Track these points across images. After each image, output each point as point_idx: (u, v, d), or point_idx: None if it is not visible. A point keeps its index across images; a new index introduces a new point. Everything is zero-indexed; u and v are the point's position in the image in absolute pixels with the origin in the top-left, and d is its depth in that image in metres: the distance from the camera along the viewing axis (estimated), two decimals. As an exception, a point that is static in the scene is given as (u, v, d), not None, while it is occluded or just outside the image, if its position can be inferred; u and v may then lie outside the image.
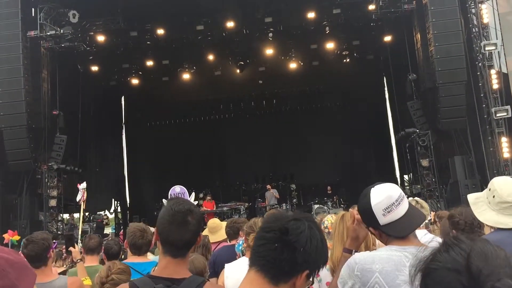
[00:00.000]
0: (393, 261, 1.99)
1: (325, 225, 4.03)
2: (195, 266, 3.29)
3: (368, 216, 2.12)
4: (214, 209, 17.62)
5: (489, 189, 2.57)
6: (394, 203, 2.06)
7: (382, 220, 2.06)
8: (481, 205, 2.58)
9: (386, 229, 2.07)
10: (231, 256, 4.25)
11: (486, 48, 14.06)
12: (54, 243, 3.78)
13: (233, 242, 4.95)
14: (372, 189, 2.12)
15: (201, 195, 18.62)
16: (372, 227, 2.14)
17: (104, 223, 19.09)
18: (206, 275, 3.53)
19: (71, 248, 4.58)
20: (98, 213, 19.57)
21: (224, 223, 5.74)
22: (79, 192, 10.42)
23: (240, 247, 4.17)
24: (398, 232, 2.06)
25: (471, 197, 2.67)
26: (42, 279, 3.32)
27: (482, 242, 1.04)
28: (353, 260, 2.10)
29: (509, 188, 2.48)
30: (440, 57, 14.25)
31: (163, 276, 1.97)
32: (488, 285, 0.94)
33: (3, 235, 10.63)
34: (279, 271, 1.55)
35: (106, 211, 21.38)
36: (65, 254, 5.41)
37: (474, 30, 14.70)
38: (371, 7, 16.17)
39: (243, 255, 4.07)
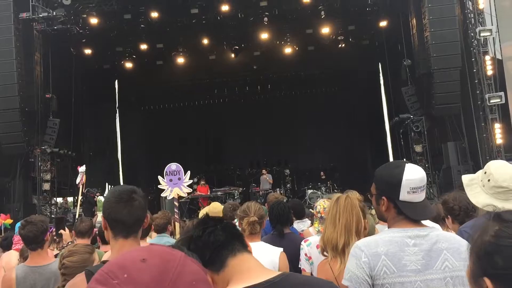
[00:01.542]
0: (396, 242, 2.01)
1: (317, 210, 4.05)
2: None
3: (391, 186, 2.10)
4: (208, 193, 17.66)
5: (485, 172, 2.57)
6: (421, 187, 2.10)
7: (404, 196, 2.07)
8: (475, 187, 2.58)
9: (402, 205, 2.08)
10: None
11: (481, 34, 14.04)
12: (51, 227, 3.78)
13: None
14: (408, 164, 2.13)
15: (195, 180, 18.62)
16: (387, 198, 2.12)
17: (96, 199, 18.87)
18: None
19: (61, 231, 4.57)
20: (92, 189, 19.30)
21: None
22: (79, 174, 10.42)
23: None
24: (411, 213, 2.08)
25: (465, 179, 2.66)
26: (39, 262, 3.33)
27: None
28: (357, 248, 2.06)
29: (504, 173, 2.48)
30: (435, 42, 14.21)
31: None
32: None
33: (-4, 219, 10.63)
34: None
35: (101, 196, 21.33)
36: (57, 238, 5.41)
37: (469, 16, 14.66)
38: (367, -9, 16.07)
39: None
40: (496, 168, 2.52)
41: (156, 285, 0.77)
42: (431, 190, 15.29)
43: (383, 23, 18.31)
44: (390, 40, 18.71)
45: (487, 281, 1.06)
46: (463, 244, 2.01)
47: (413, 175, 2.08)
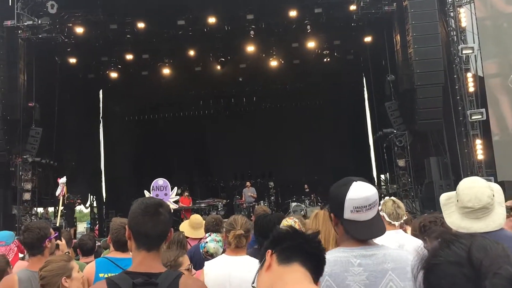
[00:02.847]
0: (340, 262, 2.01)
1: None
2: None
3: (336, 204, 2.12)
4: (191, 205, 17.53)
5: (456, 192, 2.62)
6: (366, 206, 2.06)
7: (348, 215, 2.07)
8: (450, 206, 2.61)
9: (346, 224, 2.08)
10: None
11: (463, 52, 14.33)
12: (55, 233, 3.76)
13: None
14: (355, 183, 2.10)
15: (178, 191, 18.50)
16: (334, 215, 2.15)
17: (76, 204, 18.57)
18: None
19: (58, 241, 4.54)
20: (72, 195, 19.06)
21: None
22: (59, 186, 10.27)
23: (204, 245, 4.15)
24: (355, 233, 2.08)
25: (443, 198, 2.68)
26: (38, 267, 3.28)
27: (481, 237, 1.09)
28: None
29: (469, 193, 2.50)
30: (418, 59, 14.45)
31: (140, 271, 1.97)
32: (490, 274, 0.99)
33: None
34: (317, 267, 1.63)
35: (82, 205, 21.08)
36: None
37: (452, 34, 14.96)
38: (352, 7, 16.29)
39: (208, 253, 4.06)
40: (463, 188, 2.55)
41: None
42: (413, 205, 15.43)
43: (367, 39, 18.58)
44: (374, 55, 18.97)
45: None
46: (410, 264, 2.02)
47: (357, 194, 2.05)
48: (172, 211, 7.17)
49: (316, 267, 1.63)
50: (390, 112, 16.64)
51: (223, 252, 3.97)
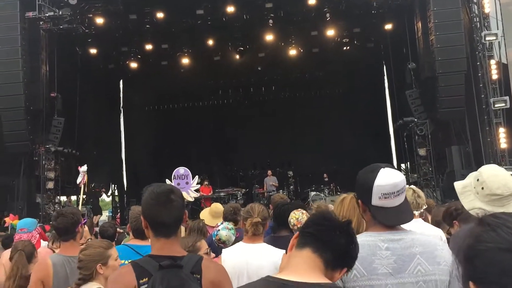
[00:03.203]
0: (367, 245, 2.01)
1: (292, 223, 3.98)
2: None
3: (364, 191, 2.12)
4: (211, 194, 17.66)
5: (477, 180, 2.55)
6: (394, 193, 2.07)
7: (376, 201, 2.07)
8: (468, 195, 2.55)
9: (374, 210, 2.09)
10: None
11: (487, 38, 14.03)
12: (85, 219, 3.85)
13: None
14: (383, 169, 2.09)
15: (198, 180, 18.63)
16: (362, 201, 2.15)
17: (102, 193, 18.95)
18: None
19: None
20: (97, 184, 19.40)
21: None
22: (80, 174, 10.42)
23: (216, 233, 4.17)
24: (383, 219, 2.08)
25: (458, 186, 2.62)
26: (71, 252, 3.39)
27: None
28: None
29: (497, 180, 2.44)
30: (440, 46, 14.20)
31: (163, 255, 2.01)
32: None
33: (5, 219, 10.66)
34: (334, 256, 1.62)
35: (104, 194, 21.43)
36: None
37: (475, 20, 14.64)
38: (373, -6, 16.06)
39: (221, 241, 4.09)
40: (489, 175, 2.49)
41: None
42: (434, 194, 15.27)
43: (388, 26, 18.32)
44: (395, 43, 18.70)
45: (472, 285, 1.07)
46: (438, 249, 2.03)
47: (385, 181, 2.05)
48: (193, 198, 7.21)
49: (335, 256, 1.62)
50: (411, 101, 16.42)
51: (236, 239, 4.00)
